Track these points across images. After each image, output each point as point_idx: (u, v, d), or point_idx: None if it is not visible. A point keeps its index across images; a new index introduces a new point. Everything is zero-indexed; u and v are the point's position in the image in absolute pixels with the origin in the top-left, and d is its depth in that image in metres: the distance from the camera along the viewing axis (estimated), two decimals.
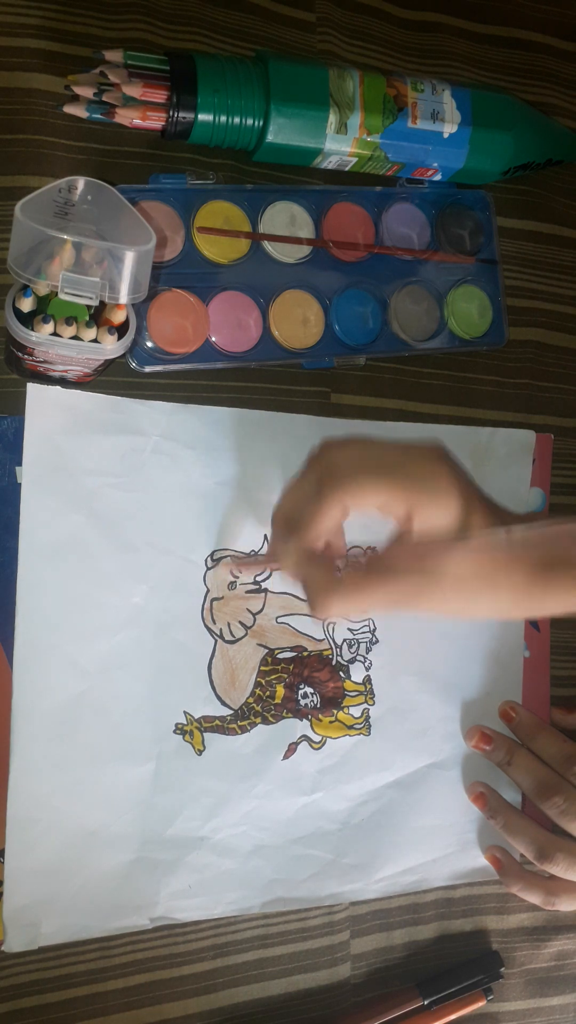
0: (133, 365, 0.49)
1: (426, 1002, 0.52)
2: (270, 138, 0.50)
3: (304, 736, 0.52)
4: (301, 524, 0.43)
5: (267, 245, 0.53)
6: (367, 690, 0.54)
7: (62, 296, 0.40)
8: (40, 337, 0.41)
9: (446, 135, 0.53)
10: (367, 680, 0.54)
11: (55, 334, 0.41)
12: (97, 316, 0.43)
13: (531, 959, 0.57)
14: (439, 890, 0.55)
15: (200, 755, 0.49)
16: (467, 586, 0.41)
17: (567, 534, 0.42)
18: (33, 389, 0.47)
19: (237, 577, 0.51)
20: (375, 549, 0.54)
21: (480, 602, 0.42)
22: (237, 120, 0.49)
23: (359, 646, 0.54)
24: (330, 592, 0.42)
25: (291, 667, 0.52)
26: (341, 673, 0.53)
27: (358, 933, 0.53)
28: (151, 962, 0.48)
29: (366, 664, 0.54)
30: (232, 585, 0.51)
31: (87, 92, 0.48)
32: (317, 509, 0.42)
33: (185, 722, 0.49)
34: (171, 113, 0.48)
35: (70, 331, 0.41)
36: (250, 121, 0.50)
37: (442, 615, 0.42)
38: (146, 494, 0.49)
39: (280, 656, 0.52)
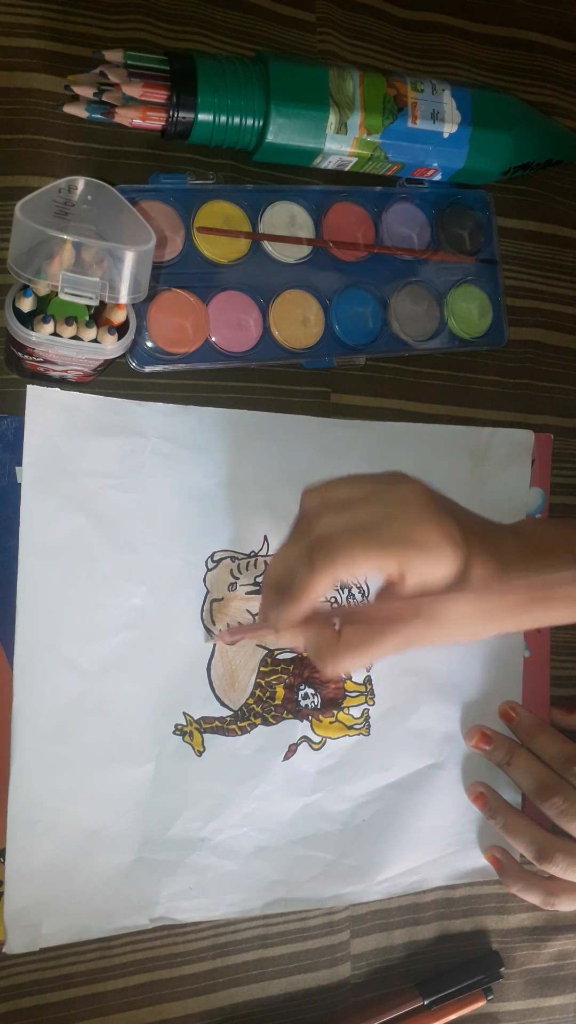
0: (133, 365, 0.49)
1: (426, 1002, 0.52)
2: (270, 138, 0.50)
3: (304, 737, 0.52)
4: (292, 592, 0.42)
5: (267, 245, 0.53)
6: (367, 690, 0.54)
7: (62, 296, 0.40)
8: (40, 337, 0.41)
9: (446, 135, 0.53)
10: (367, 680, 0.54)
11: (55, 334, 0.41)
12: (97, 316, 0.43)
13: (531, 959, 0.57)
14: (439, 890, 0.55)
15: (200, 756, 0.49)
16: (467, 622, 0.42)
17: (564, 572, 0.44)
18: (33, 390, 0.47)
19: (237, 578, 0.51)
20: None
21: (482, 632, 0.43)
22: (237, 120, 0.49)
23: None
24: (337, 653, 0.42)
25: (291, 668, 0.52)
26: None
27: (358, 933, 0.53)
28: (151, 962, 0.48)
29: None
30: (232, 586, 0.51)
31: (87, 92, 0.48)
32: (309, 580, 0.41)
33: (185, 723, 0.49)
34: (171, 113, 0.48)
35: (70, 331, 0.41)
36: (250, 121, 0.50)
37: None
38: (146, 495, 0.49)
39: (280, 657, 0.52)
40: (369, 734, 0.53)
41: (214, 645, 0.50)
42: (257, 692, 0.51)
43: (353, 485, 0.42)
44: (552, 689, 0.59)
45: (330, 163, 0.54)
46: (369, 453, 0.54)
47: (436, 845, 0.55)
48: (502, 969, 0.55)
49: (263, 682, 0.51)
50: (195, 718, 0.49)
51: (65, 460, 0.47)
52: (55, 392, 0.47)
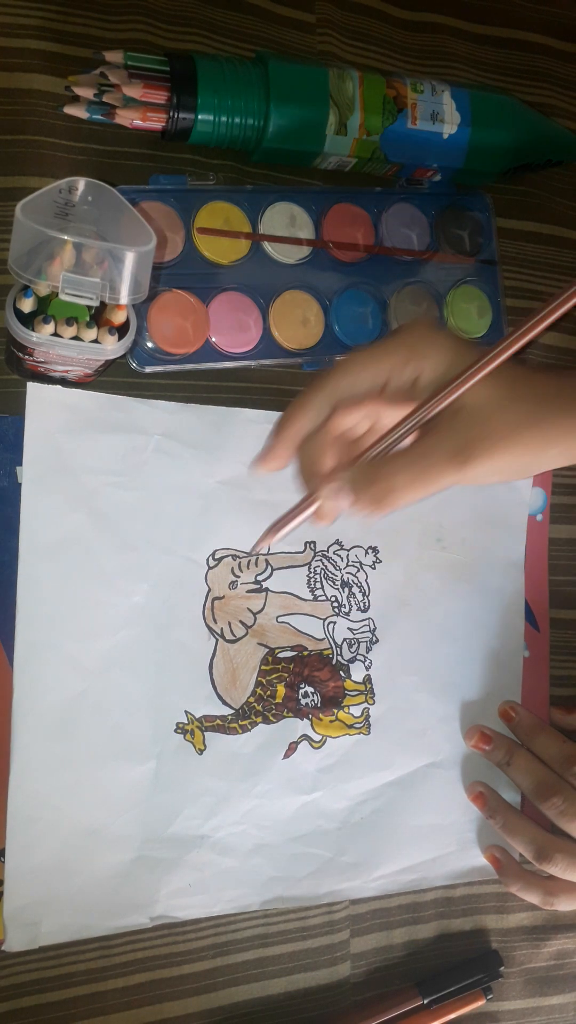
0: (133, 365, 0.49)
1: (426, 1001, 0.52)
2: (270, 139, 0.50)
3: (304, 735, 0.52)
4: (334, 369, 0.40)
5: (267, 246, 0.53)
6: (367, 689, 0.54)
7: (63, 297, 0.40)
8: (41, 337, 0.41)
9: (446, 136, 0.53)
10: (367, 680, 0.54)
11: (56, 334, 0.41)
12: (98, 317, 0.43)
13: (530, 958, 0.57)
14: (439, 889, 0.55)
15: (201, 754, 0.49)
16: (500, 419, 0.40)
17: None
18: (33, 388, 0.47)
19: (238, 577, 0.51)
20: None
21: (520, 435, 0.41)
22: (237, 121, 0.49)
23: (359, 645, 0.54)
24: (393, 475, 0.39)
25: (291, 666, 0.52)
26: (341, 672, 0.53)
27: (358, 932, 0.53)
28: (151, 961, 0.48)
29: (366, 663, 0.54)
30: (233, 584, 0.51)
31: (87, 93, 0.48)
32: (300, 396, 0.40)
33: (186, 721, 0.49)
34: (171, 114, 0.48)
35: (71, 331, 0.41)
36: (250, 122, 0.50)
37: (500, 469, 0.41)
38: (147, 493, 0.49)
39: (280, 655, 0.52)
40: (369, 733, 0.53)
41: (215, 644, 0.50)
42: (258, 690, 0.51)
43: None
44: (551, 689, 0.59)
45: (330, 164, 0.54)
46: None
47: (435, 844, 0.55)
48: (502, 968, 0.55)
49: (264, 680, 0.51)
50: (197, 716, 0.49)
51: (66, 458, 0.47)
52: (56, 390, 0.47)
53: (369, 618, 0.54)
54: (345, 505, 0.40)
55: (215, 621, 0.50)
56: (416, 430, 0.40)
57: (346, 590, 0.54)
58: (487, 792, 0.55)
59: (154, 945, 0.48)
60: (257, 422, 0.52)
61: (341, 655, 0.53)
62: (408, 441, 0.40)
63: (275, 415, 0.52)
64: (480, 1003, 0.54)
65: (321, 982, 0.52)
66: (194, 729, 0.49)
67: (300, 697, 0.52)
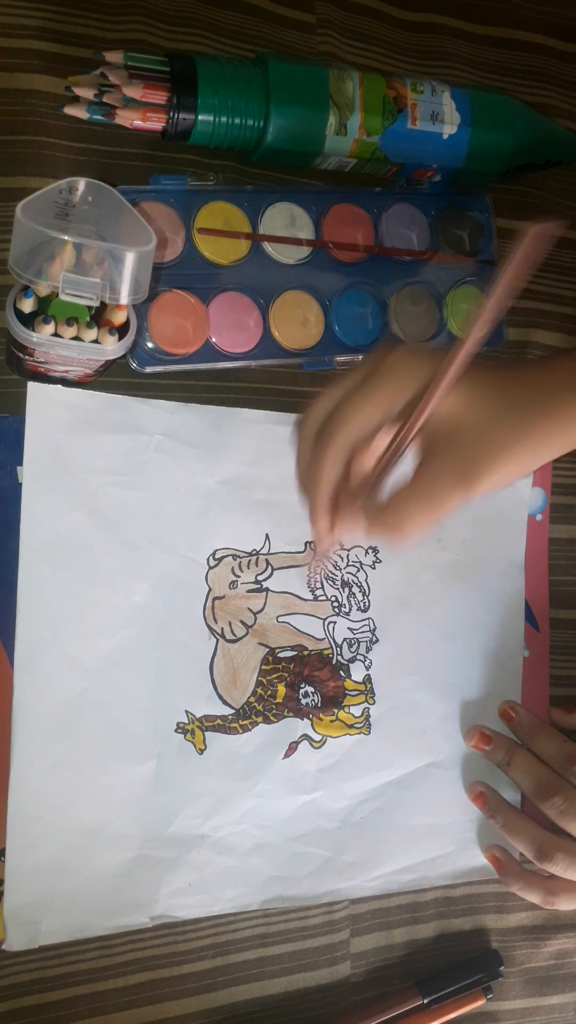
0: (134, 366, 0.49)
1: (425, 1001, 0.52)
2: (270, 139, 0.50)
3: (305, 735, 0.52)
4: (339, 419, 0.41)
5: (267, 246, 0.53)
6: (367, 689, 0.54)
7: (63, 297, 0.40)
8: (41, 338, 0.41)
9: (446, 136, 0.53)
10: (367, 679, 0.54)
11: (56, 335, 0.41)
12: (98, 317, 0.43)
13: (530, 958, 0.57)
14: (438, 889, 0.55)
15: (201, 754, 0.49)
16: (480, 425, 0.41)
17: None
18: (34, 387, 0.47)
19: (239, 576, 0.51)
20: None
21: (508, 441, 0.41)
22: (237, 121, 0.49)
23: (359, 645, 0.54)
24: (404, 506, 0.40)
25: (292, 666, 0.52)
26: (341, 672, 0.53)
27: (358, 932, 0.53)
28: (151, 961, 0.48)
29: (366, 663, 0.54)
30: (234, 584, 0.51)
31: (88, 93, 0.48)
32: (319, 455, 0.41)
33: (187, 721, 0.49)
34: (171, 114, 0.48)
35: (71, 332, 0.41)
36: (250, 122, 0.50)
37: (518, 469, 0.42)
38: (148, 492, 0.49)
39: (281, 655, 0.52)
40: (369, 733, 0.53)
41: (216, 644, 0.50)
42: (259, 690, 0.51)
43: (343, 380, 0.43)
44: (552, 689, 0.59)
45: (330, 164, 0.54)
46: None
47: (435, 844, 0.55)
48: (501, 968, 0.55)
49: (264, 680, 0.51)
50: (197, 716, 0.49)
51: (67, 457, 0.47)
52: (56, 389, 0.47)
53: (369, 618, 0.54)
54: (361, 536, 0.43)
55: (215, 621, 0.50)
56: (410, 446, 0.41)
57: (346, 590, 0.54)
58: (487, 792, 0.55)
59: (154, 945, 0.48)
60: (258, 422, 0.52)
61: (341, 655, 0.53)
62: (408, 459, 0.42)
63: (276, 415, 0.52)
64: (480, 1003, 0.54)
65: (321, 982, 0.52)
66: (194, 729, 0.49)
67: (300, 697, 0.52)
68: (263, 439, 0.52)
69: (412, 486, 0.41)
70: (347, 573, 0.54)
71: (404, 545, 0.41)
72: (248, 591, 0.51)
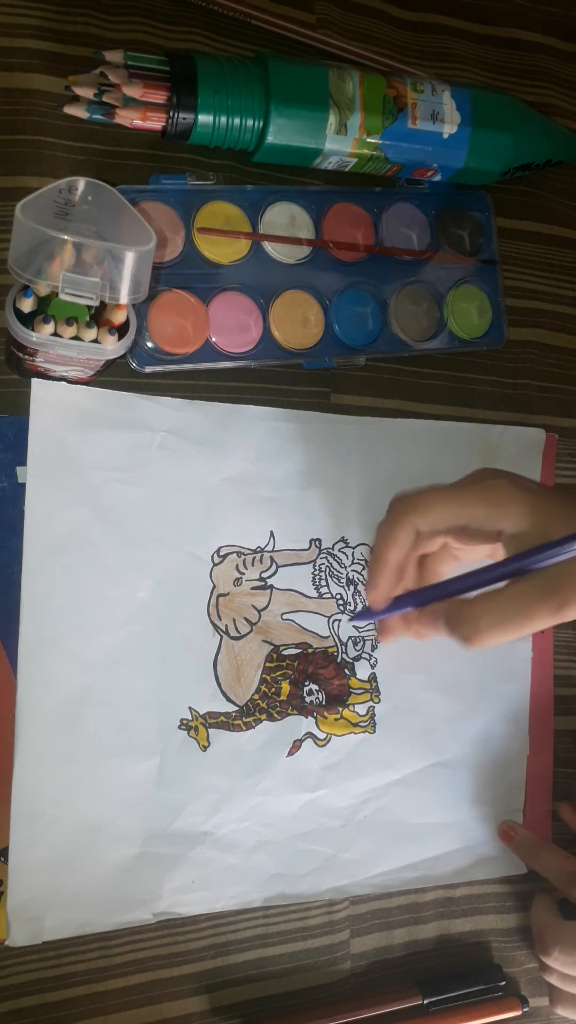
0: (133, 366, 0.49)
1: (425, 1001, 0.52)
2: (270, 139, 0.50)
3: (309, 733, 0.52)
4: (375, 553, 0.46)
5: (267, 246, 0.53)
6: (372, 688, 0.54)
7: (62, 296, 0.40)
8: (41, 337, 0.41)
9: (446, 135, 0.53)
10: (372, 678, 0.54)
11: (55, 334, 0.41)
12: (97, 316, 0.43)
13: (531, 958, 0.57)
14: (439, 889, 0.55)
15: (205, 751, 0.49)
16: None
17: None
18: (37, 384, 0.47)
19: (243, 573, 0.51)
20: None
21: None
22: (237, 121, 0.49)
23: (364, 644, 0.54)
24: (486, 617, 0.42)
25: (296, 664, 0.52)
26: (346, 670, 0.53)
27: (358, 932, 0.53)
28: (151, 961, 0.48)
29: (371, 662, 0.54)
30: (238, 581, 0.51)
31: (87, 93, 0.48)
32: (386, 530, 0.45)
33: (190, 718, 0.49)
34: (171, 114, 0.48)
35: (70, 331, 0.41)
36: (250, 122, 0.50)
37: None
38: (152, 489, 0.49)
39: (285, 653, 0.52)
40: (374, 732, 0.53)
41: (220, 641, 0.50)
42: (263, 688, 0.51)
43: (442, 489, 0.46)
44: (553, 689, 0.59)
45: (330, 164, 0.54)
46: (377, 449, 0.54)
47: (438, 843, 0.55)
48: (503, 983, 0.55)
49: (268, 678, 0.51)
50: (201, 713, 0.49)
51: (70, 454, 0.47)
52: (60, 386, 0.47)
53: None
54: (435, 635, 0.46)
55: (220, 618, 0.50)
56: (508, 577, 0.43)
57: (351, 588, 0.54)
58: (516, 829, 0.55)
59: (154, 945, 0.48)
60: (263, 419, 0.52)
61: (346, 653, 0.53)
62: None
63: (282, 412, 0.52)
64: (516, 1013, 0.53)
65: (321, 982, 0.52)
66: (198, 726, 0.49)
67: (305, 695, 0.52)
68: (268, 436, 0.52)
69: (498, 596, 0.43)
70: (352, 571, 0.54)
71: (477, 649, 0.43)
72: (252, 588, 0.51)
